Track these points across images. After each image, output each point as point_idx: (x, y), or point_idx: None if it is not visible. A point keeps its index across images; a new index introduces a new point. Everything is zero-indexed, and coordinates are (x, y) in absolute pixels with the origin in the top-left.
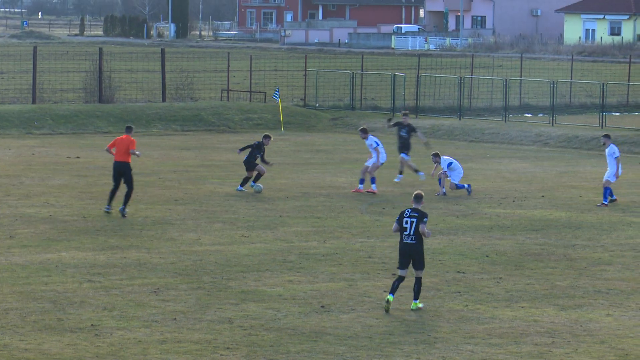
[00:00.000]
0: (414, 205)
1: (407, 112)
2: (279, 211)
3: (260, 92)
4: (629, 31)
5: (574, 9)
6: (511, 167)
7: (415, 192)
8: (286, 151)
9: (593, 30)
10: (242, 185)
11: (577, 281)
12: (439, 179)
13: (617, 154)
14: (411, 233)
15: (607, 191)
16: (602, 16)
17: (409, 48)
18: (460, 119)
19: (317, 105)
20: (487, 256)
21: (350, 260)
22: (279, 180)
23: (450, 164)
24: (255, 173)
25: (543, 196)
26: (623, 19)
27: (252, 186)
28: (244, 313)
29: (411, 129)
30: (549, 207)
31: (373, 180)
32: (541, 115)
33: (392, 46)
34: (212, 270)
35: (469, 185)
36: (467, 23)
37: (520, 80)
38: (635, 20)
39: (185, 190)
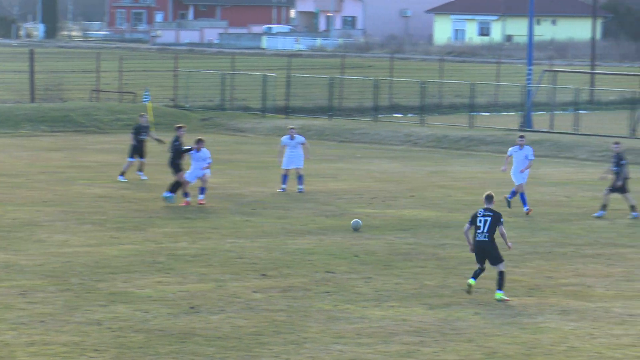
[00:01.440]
0: (485, 206)
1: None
2: (148, 212)
3: (130, 92)
4: (498, 32)
5: (443, 10)
6: (381, 167)
7: (487, 193)
8: (155, 152)
9: (462, 31)
10: (171, 191)
11: (445, 280)
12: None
13: (533, 157)
14: (484, 231)
15: (523, 196)
16: (471, 17)
17: (280, 48)
18: (330, 119)
19: (187, 105)
20: (356, 256)
21: (220, 261)
22: (148, 181)
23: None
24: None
25: (412, 196)
26: (492, 20)
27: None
28: (113, 315)
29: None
30: (419, 206)
31: (202, 191)
32: (411, 115)
33: (263, 46)
34: (80, 272)
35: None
36: (338, 23)
37: (390, 80)
38: (504, 21)
39: (54, 191)
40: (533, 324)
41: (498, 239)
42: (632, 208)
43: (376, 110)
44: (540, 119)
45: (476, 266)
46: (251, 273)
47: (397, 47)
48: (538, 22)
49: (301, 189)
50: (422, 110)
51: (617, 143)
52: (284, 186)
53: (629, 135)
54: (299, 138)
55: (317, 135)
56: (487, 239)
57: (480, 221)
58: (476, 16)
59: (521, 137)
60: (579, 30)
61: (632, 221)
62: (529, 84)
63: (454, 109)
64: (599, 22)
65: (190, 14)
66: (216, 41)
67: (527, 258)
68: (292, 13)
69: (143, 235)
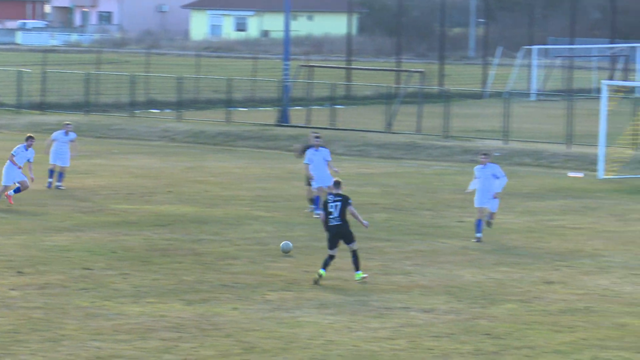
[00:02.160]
0: (335, 191)
1: None
2: None
3: None
4: (255, 27)
5: (200, 5)
6: (138, 163)
7: (335, 179)
8: None
9: (219, 26)
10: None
11: (203, 275)
12: None
13: (502, 174)
14: (337, 215)
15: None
16: (228, 12)
17: (35, 44)
18: (87, 115)
19: None
20: (114, 252)
21: None
22: None
23: None
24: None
25: (170, 191)
26: (249, 15)
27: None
28: None
29: None
30: (176, 202)
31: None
32: (168, 110)
33: (18, 42)
34: None
35: None
36: (94, 19)
37: (147, 76)
38: (261, 16)
39: None
40: (291, 318)
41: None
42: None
43: (133, 105)
44: (297, 114)
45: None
46: (7, 270)
47: (153, 42)
48: (294, 18)
49: (59, 185)
50: (179, 105)
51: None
52: (50, 180)
53: (385, 130)
54: (72, 135)
55: (73, 131)
56: (340, 222)
57: (331, 207)
58: (233, 12)
59: (483, 154)
60: (335, 25)
61: (388, 215)
62: (285, 79)
63: (211, 104)
64: (355, 18)
65: None
66: None
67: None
68: (47, 8)
69: None
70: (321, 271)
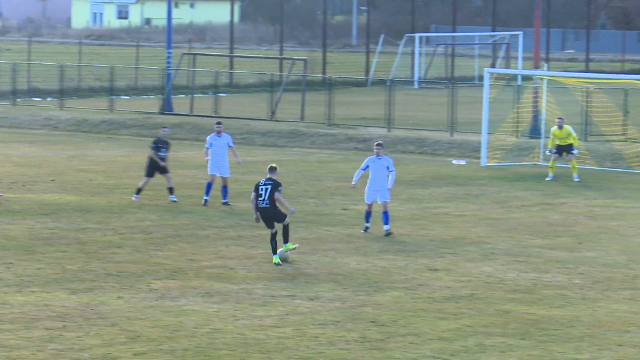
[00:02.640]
0: (268, 176)
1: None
2: None
3: None
4: (137, 15)
5: None
6: (20, 152)
7: (270, 165)
8: None
9: (101, 14)
10: None
11: (88, 264)
12: None
13: (393, 168)
14: (266, 198)
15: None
16: (109, 0)
17: None
18: None
19: None
20: None
21: None
22: None
23: None
24: None
25: (53, 180)
26: (131, 3)
27: None
28: None
29: None
30: (60, 191)
31: None
32: (50, 99)
33: None
34: None
35: None
36: None
37: (29, 64)
38: (143, 4)
39: None
40: (176, 306)
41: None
42: (171, 190)
43: (14, 94)
44: (180, 102)
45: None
46: None
47: (35, 30)
48: (176, 5)
49: None
50: (62, 94)
51: (165, 128)
52: None
53: (269, 118)
54: None
55: None
56: (268, 205)
57: (262, 189)
58: (114, 0)
59: (378, 145)
60: (217, 13)
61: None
62: (168, 67)
63: (93, 92)
64: (237, 6)
65: None
66: None
67: (170, 241)
68: None
69: None
70: (275, 259)
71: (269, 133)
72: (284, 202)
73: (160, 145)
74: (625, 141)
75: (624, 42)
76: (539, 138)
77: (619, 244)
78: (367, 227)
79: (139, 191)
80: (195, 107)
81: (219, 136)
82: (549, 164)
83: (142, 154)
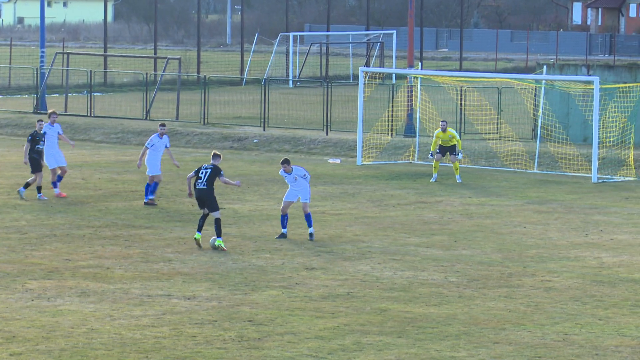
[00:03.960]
0: (211, 162)
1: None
2: None
3: None
4: (10, 14)
5: None
6: None
7: (214, 152)
8: None
9: None
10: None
11: None
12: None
13: (308, 174)
14: (204, 180)
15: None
16: None
17: None
18: None
19: None
20: None
21: None
22: None
23: None
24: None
25: None
26: (3, 2)
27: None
28: None
29: None
30: None
31: None
32: None
33: None
34: None
35: None
36: None
37: None
38: (15, 2)
39: None
40: (53, 306)
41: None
42: (39, 189)
43: None
44: (54, 101)
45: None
46: None
47: None
48: (49, 4)
49: None
50: None
51: (41, 120)
52: None
53: (144, 118)
54: None
55: None
56: (205, 187)
57: (202, 173)
58: None
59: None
60: (90, 12)
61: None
62: (42, 66)
63: None
64: (110, 5)
65: None
66: None
67: (46, 241)
68: None
69: None
70: (197, 235)
71: (144, 132)
72: (229, 181)
73: (38, 138)
74: (500, 139)
75: (497, 41)
76: (414, 137)
77: (494, 242)
78: (283, 234)
79: (39, 189)
80: (70, 106)
81: (161, 138)
82: (433, 164)
83: (17, 154)
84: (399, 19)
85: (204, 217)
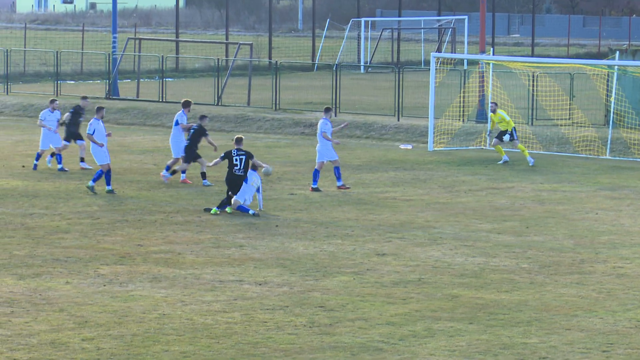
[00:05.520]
0: (236, 147)
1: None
2: None
3: None
4: (82, 0)
5: None
6: None
7: (237, 136)
8: None
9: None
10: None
11: (35, 250)
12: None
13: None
14: (241, 168)
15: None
16: None
17: None
18: None
19: None
20: None
21: None
22: None
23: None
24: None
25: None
26: None
27: None
28: None
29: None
30: (6, 176)
31: None
32: None
33: None
34: None
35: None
36: None
37: None
38: None
39: None
40: (124, 292)
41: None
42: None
43: None
44: (126, 86)
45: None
46: None
47: None
48: None
49: None
50: (7, 78)
51: (85, 97)
52: None
53: (215, 103)
54: None
55: None
56: (242, 174)
57: (236, 160)
58: None
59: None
60: None
61: (219, 188)
62: (114, 52)
63: (39, 77)
64: None
65: None
66: None
67: (118, 226)
68: None
69: None
70: (214, 210)
71: (215, 118)
72: (262, 163)
73: (81, 112)
74: (572, 125)
75: (569, 26)
76: (485, 123)
77: (566, 229)
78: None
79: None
80: (142, 92)
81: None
82: (495, 149)
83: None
84: (471, 4)
85: (229, 199)
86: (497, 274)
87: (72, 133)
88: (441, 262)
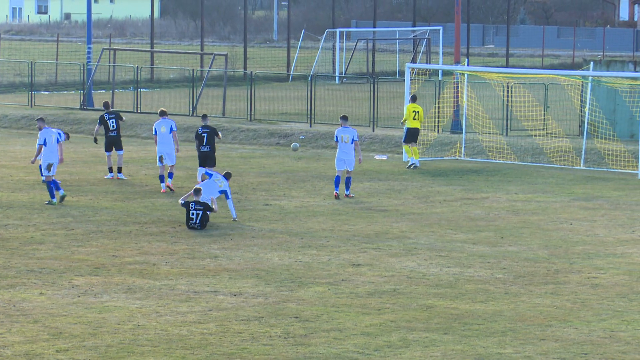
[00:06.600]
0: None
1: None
2: None
3: None
4: (56, 10)
5: None
6: None
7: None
8: None
9: (20, 9)
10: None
11: (9, 261)
12: None
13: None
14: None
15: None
16: None
17: None
18: None
19: None
20: None
21: None
22: None
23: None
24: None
25: None
26: None
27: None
28: None
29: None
30: None
31: None
32: None
33: None
34: None
35: None
36: None
37: None
38: None
39: None
40: (99, 303)
41: None
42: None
43: None
44: (101, 97)
45: None
46: None
47: None
48: (96, 0)
49: None
50: None
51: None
52: None
53: (190, 114)
54: None
55: None
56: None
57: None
58: None
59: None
60: (137, 8)
61: None
62: (88, 62)
63: (13, 87)
64: (157, 1)
65: None
66: None
67: (92, 237)
68: None
69: None
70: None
71: (190, 128)
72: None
73: (112, 116)
74: (546, 136)
75: (544, 37)
76: (460, 133)
77: (540, 239)
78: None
79: (110, 169)
80: (116, 102)
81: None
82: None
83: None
84: (446, 15)
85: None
86: (472, 284)
87: (111, 143)
88: (416, 273)
